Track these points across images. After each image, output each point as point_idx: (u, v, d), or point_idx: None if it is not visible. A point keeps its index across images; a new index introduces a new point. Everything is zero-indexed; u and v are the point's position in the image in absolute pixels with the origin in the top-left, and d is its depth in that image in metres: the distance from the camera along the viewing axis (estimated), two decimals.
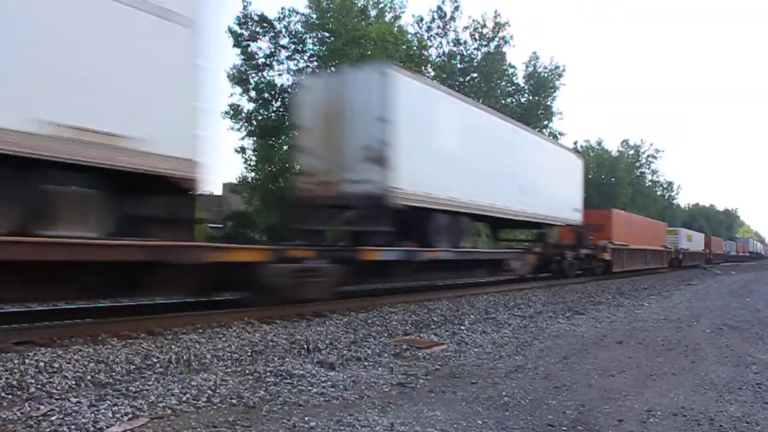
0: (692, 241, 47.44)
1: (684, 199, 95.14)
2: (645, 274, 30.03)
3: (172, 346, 6.85)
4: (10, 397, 4.79)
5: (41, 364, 5.64)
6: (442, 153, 13.79)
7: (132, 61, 7.76)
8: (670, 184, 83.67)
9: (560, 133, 47.45)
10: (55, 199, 7.32)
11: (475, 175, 15.06)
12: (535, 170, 18.53)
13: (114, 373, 5.69)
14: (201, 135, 8.60)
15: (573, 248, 22.36)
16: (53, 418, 4.19)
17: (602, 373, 6.27)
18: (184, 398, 4.84)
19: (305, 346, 7.43)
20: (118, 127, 7.51)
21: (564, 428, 4.38)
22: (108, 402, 4.59)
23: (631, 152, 76.46)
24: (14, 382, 5.07)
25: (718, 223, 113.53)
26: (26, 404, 4.50)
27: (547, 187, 19.28)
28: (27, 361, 5.71)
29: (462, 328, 9.28)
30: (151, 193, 8.28)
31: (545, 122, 45.94)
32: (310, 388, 5.33)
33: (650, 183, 77.01)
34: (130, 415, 4.35)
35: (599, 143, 71.88)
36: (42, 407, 4.42)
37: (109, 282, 8.19)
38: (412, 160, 12.48)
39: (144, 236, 8.08)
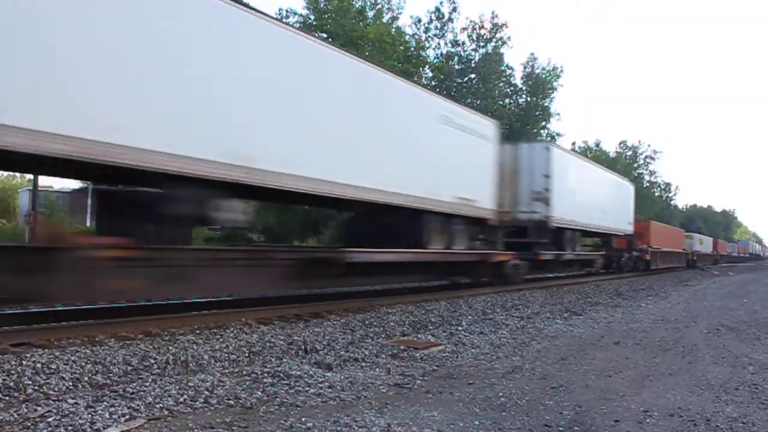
0: (703, 244, 55.45)
1: (682, 200, 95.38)
2: (655, 273, 30.23)
3: (170, 347, 6.86)
4: (7, 398, 4.79)
5: (38, 365, 5.63)
6: (569, 192, 21.40)
7: (475, 162, 15.66)
8: (668, 185, 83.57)
9: (558, 134, 47.50)
10: (456, 231, 15.21)
11: (584, 205, 22.98)
12: (610, 198, 26.85)
13: (111, 375, 5.69)
14: (494, 193, 16.68)
15: (627, 251, 30.41)
16: (50, 419, 4.19)
17: (599, 373, 6.27)
18: (182, 399, 4.84)
19: (303, 347, 7.43)
20: (469, 195, 15.14)
21: (561, 429, 4.38)
22: (105, 403, 4.58)
23: (629, 153, 76.52)
24: (11, 384, 5.07)
25: (716, 224, 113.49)
26: (23, 406, 4.50)
27: (615, 208, 27.40)
28: (24, 362, 5.70)
29: (459, 328, 9.29)
30: (477, 226, 16.43)
31: (543, 123, 45.96)
32: (307, 388, 5.33)
33: (648, 184, 76.95)
34: (127, 416, 4.35)
35: (597, 144, 71.97)
36: (39, 409, 4.42)
37: (456, 271, 16.16)
38: (558, 198, 20.17)
39: (474, 248, 16.53)
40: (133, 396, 4.84)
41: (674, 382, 5.96)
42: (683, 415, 4.76)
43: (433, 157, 13.82)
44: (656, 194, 78.54)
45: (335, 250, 12.94)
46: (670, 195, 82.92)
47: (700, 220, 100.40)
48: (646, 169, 78.04)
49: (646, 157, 77.57)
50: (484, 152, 16.13)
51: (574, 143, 68.21)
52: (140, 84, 7.73)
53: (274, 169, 9.57)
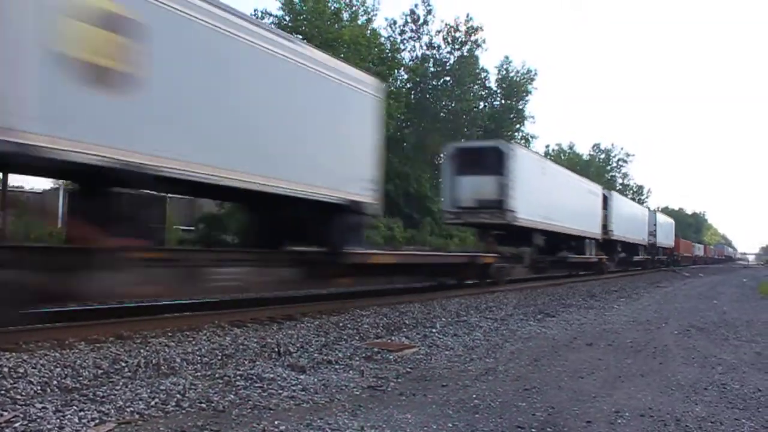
0: (700, 249, 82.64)
1: (653, 203, 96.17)
2: (628, 275, 30.69)
3: (141, 350, 6.78)
4: None
5: (5, 369, 5.52)
6: (660, 229, 45.27)
7: (668, 232, 53.63)
8: (641, 187, 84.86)
9: (532, 137, 47.99)
10: (642, 250, 41.81)
11: (664, 234, 47.15)
12: (667, 228, 49.93)
13: (81, 378, 5.61)
14: (648, 234, 42.78)
15: (671, 256, 53.23)
16: (17, 424, 4.11)
17: (572, 375, 6.32)
18: (153, 403, 4.78)
19: (276, 350, 7.39)
20: (651, 238, 45.39)
21: (533, 430, 4.40)
22: (74, 407, 4.51)
23: (602, 156, 77.37)
24: None
25: (687, 225, 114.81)
26: None
27: (668, 233, 50.02)
28: None
29: (433, 331, 9.30)
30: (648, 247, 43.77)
31: (517, 126, 46.33)
32: (280, 391, 5.30)
33: (621, 186, 77.90)
34: (97, 421, 4.28)
35: (571, 147, 72.72)
36: (5, 413, 4.33)
37: (635, 264, 40.22)
38: (658, 233, 44.60)
39: (647, 256, 44.40)
40: (104, 400, 4.77)
41: (645, 382, 6.03)
42: (654, 415, 4.82)
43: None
44: (629, 197, 79.50)
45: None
46: (642, 197, 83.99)
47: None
48: (619, 172, 79.02)
49: (619, 160, 78.55)
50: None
51: (547, 146, 68.92)
52: None
53: None
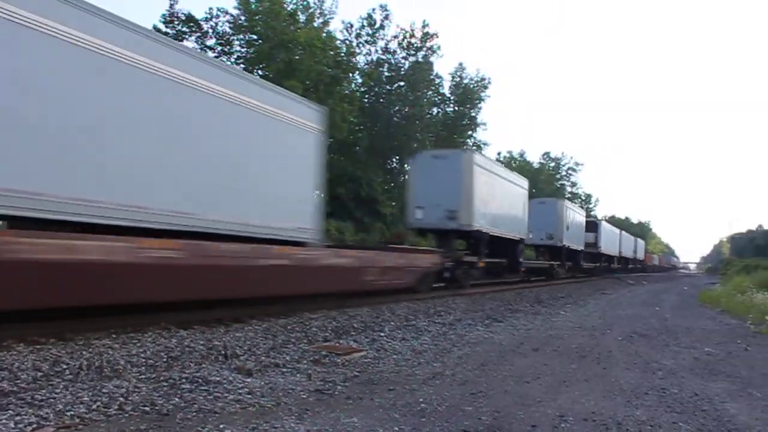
0: (656, 260, 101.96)
1: (601, 212, 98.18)
2: (578, 281, 31.21)
3: (84, 352, 6.62)
4: None
5: None
6: (639, 247, 72.87)
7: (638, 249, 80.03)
8: (589, 196, 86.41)
9: (484, 144, 48.48)
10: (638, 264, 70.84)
11: (642, 250, 76.68)
12: (642, 247, 76.32)
13: (18, 381, 5.44)
14: (641, 250, 78.50)
15: (642, 264, 73.93)
16: None
17: (518, 379, 6.40)
18: (94, 406, 4.67)
19: (223, 352, 7.30)
20: (635, 254, 73.55)
21: None
22: (10, 411, 4.38)
23: (552, 164, 78.62)
24: None
25: (633, 234, 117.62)
26: None
27: (641, 249, 73.38)
28: None
29: (382, 334, 9.32)
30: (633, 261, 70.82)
31: (469, 132, 46.76)
32: (226, 395, 5.24)
33: (570, 195, 79.28)
34: (35, 425, 4.17)
35: (521, 155, 73.73)
36: None
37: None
38: (639, 250, 72.71)
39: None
40: (42, 404, 4.65)
41: (589, 387, 6.14)
42: (596, 419, 4.91)
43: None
44: (578, 205, 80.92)
45: None
46: (590, 206, 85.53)
47: None
48: (568, 180, 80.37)
49: (568, 168, 79.92)
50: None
51: (499, 153, 69.73)
52: None
53: None
